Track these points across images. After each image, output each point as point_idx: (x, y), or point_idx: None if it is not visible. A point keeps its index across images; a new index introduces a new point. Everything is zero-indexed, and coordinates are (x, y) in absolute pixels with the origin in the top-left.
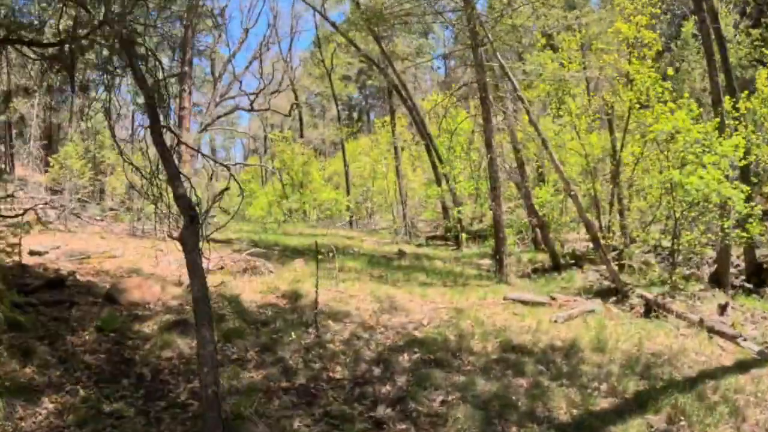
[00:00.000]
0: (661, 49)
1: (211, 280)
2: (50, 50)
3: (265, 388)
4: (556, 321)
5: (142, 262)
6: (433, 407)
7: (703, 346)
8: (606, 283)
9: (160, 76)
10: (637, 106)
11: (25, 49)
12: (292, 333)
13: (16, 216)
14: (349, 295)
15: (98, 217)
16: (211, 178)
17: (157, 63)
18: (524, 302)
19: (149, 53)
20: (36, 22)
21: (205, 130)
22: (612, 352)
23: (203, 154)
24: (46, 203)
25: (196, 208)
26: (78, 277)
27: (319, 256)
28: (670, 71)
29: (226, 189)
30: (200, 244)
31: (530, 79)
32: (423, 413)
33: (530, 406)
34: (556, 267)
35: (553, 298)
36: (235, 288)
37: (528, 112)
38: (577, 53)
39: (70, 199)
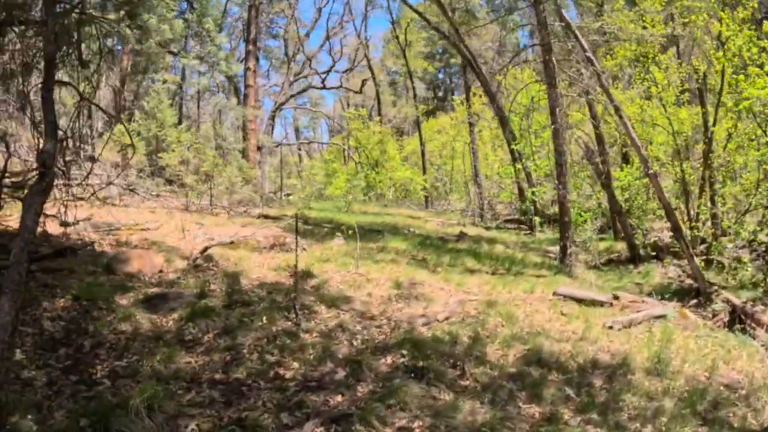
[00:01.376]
0: (756, 6)
1: (222, 253)
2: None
3: (191, 377)
4: (611, 327)
5: (171, 236)
6: None
7: None
8: (688, 281)
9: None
10: (730, 70)
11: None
12: (264, 317)
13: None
14: (368, 278)
15: (154, 192)
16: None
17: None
18: (578, 300)
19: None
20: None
21: (279, 108)
22: (673, 377)
23: (102, 110)
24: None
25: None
26: (96, 247)
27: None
28: (766, 27)
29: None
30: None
31: (605, 39)
32: None
33: None
34: (633, 259)
35: (616, 297)
36: (249, 264)
37: (599, 76)
38: (660, 16)
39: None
